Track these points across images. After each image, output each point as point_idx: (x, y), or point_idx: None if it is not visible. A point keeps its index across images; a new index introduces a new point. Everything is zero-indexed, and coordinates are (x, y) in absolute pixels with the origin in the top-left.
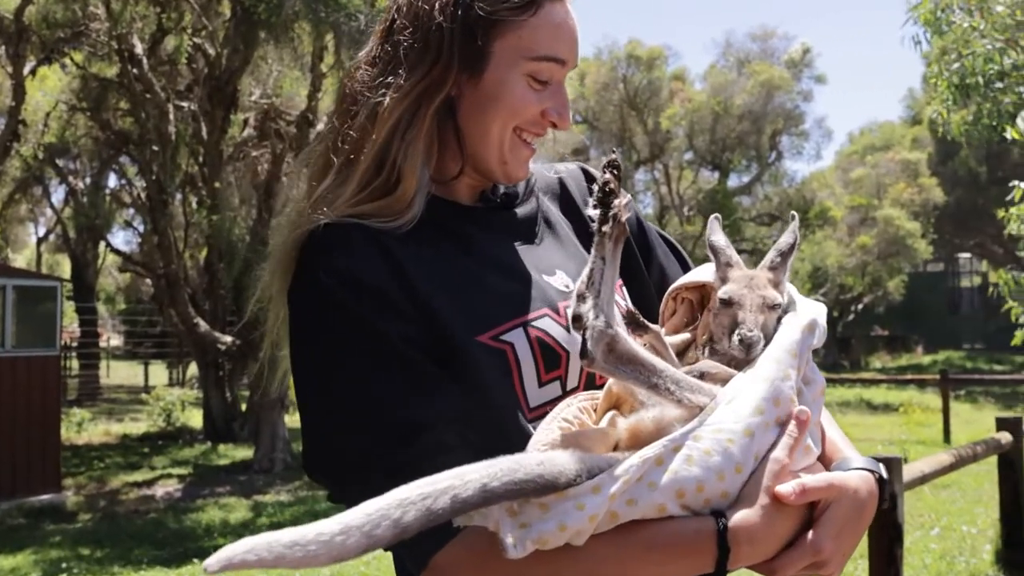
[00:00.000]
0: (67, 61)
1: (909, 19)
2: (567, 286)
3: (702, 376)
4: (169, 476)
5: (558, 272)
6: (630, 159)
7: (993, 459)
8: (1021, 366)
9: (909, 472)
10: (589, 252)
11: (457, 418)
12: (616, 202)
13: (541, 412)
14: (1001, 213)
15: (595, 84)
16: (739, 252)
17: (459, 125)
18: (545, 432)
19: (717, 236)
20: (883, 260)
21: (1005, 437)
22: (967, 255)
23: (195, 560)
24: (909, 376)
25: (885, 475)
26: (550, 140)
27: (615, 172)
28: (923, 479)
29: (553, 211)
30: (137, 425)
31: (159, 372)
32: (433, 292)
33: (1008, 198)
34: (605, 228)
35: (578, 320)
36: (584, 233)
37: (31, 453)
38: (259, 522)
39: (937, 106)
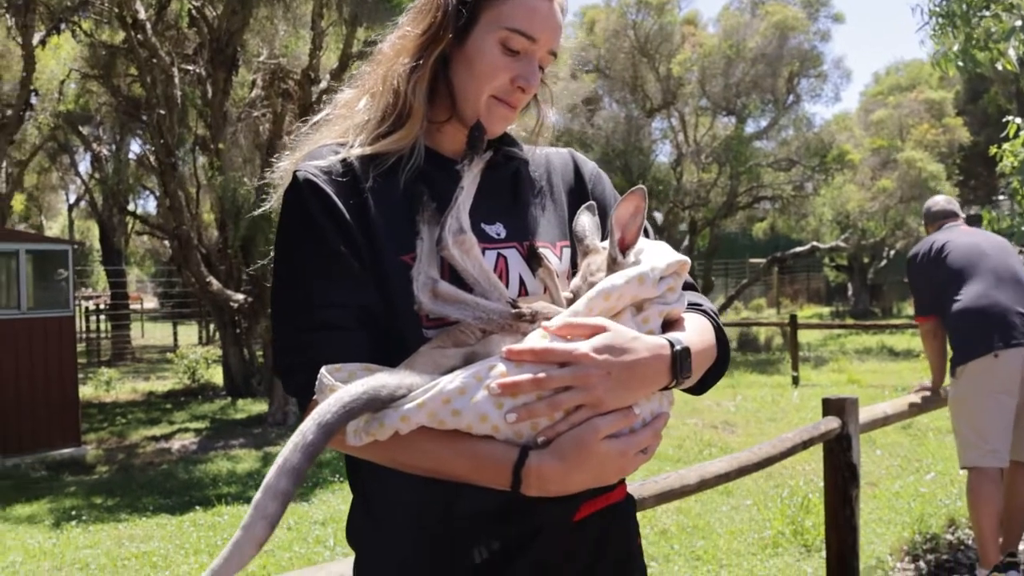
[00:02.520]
0: (77, 30)
1: None
2: (498, 234)
3: (535, 314)
4: (187, 430)
5: (497, 223)
6: (643, 107)
7: None
8: None
9: (870, 413)
10: (541, 218)
11: (359, 306)
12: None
13: (439, 323)
14: (993, 150)
15: (604, 32)
16: (758, 199)
17: (450, 80)
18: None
19: (580, 224)
20: (906, 203)
21: None
22: (1004, 197)
23: (198, 508)
24: None
25: (679, 347)
26: (563, 91)
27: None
28: (885, 420)
29: (526, 178)
30: (163, 383)
31: (191, 332)
32: (380, 216)
33: (1003, 134)
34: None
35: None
36: (551, 202)
37: (51, 410)
38: (265, 471)
39: (928, 40)
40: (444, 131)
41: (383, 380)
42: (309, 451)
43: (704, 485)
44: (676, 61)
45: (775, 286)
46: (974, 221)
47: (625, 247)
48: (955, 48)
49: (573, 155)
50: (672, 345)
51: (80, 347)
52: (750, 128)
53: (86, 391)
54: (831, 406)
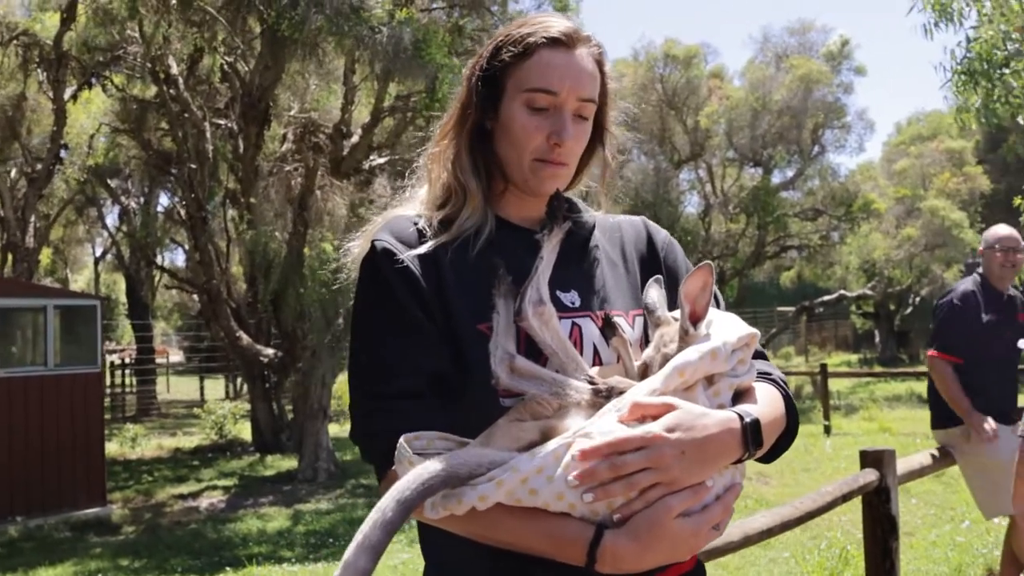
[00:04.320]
0: (108, 84)
1: (914, 7)
2: (573, 303)
3: (611, 389)
4: (215, 488)
5: (572, 291)
6: (671, 159)
7: None
8: None
9: (907, 464)
10: (615, 286)
11: (434, 374)
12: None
13: (515, 392)
14: (1017, 201)
15: (633, 85)
16: (786, 248)
17: (496, 151)
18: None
19: (650, 297)
20: (930, 251)
21: None
22: None
23: (228, 569)
24: None
25: (749, 419)
26: None
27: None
28: (922, 471)
29: (600, 247)
30: (190, 439)
31: (218, 386)
32: (456, 286)
33: None
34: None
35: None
36: (624, 271)
37: (76, 468)
38: (296, 530)
39: (951, 94)
40: (507, 199)
41: (463, 458)
42: (388, 528)
43: (748, 542)
44: (703, 114)
45: (803, 334)
46: None
47: (696, 319)
48: (976, 103)
49: (646, 223)
50: (742, 418)
51: (104, 402)
52: (776, 179)
53: (111, 448)
54: (868, 458)
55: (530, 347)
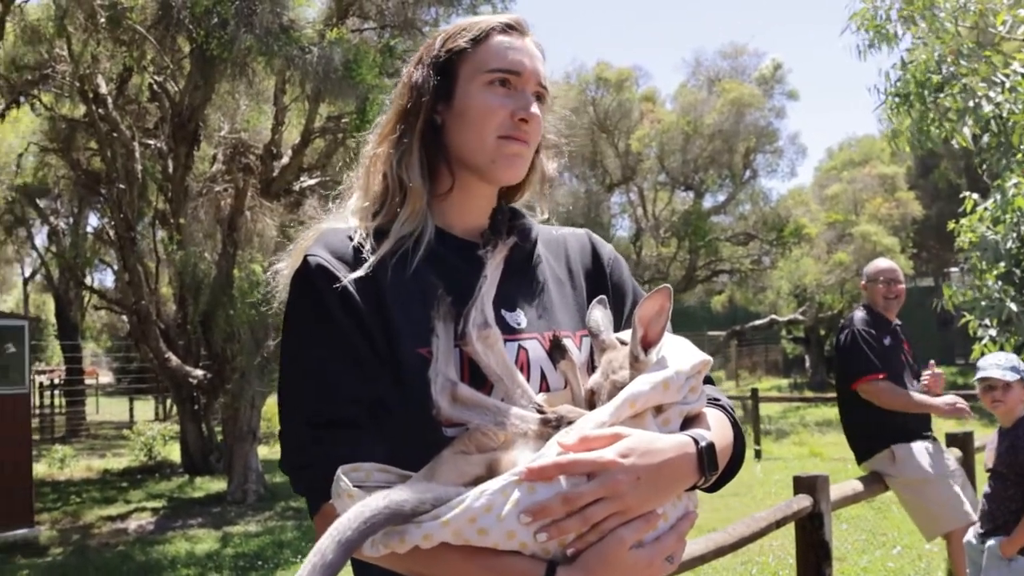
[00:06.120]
0: (36, 103)
1: (847, 28)
2: (518, 323)
3: (560, 419)
4: (144, 509)
5: (518, 310)
6: (603, 182)
7: None
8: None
9: (841, 490)
10: (561, 305)
11: (374, 400)
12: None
13: (458, 422)
14: (951, 225)
15: (564, 108)
16: (717, 272)
17: (448, 143)
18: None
19: (594, 319)
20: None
21: (955, 453)
22: (956, 269)
23: None
24: None
25: (704, 443)
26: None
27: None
28: (856, 497)
29: (545, 262)
30: (119, 460)
31: (148, 408)
32: (395, 306)
33: (960, 209)
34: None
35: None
36: (571, 288)
37: (3, 490)
38: (224, 553)
39: (884, 116)
40: (450, 202)
41: (406, 493)
42: (329, 572)
43: (681, 568)
44: (635, 137)
45: (734, 359)
46: (928, 294)
47: (648, 345)
48: (911, 126)
49: (591, 237)
50: (697, 442)
51: (33, 423)
52: (708, 203)
53: (39, 469)
54: (802, 484)
55: (474, 372)
